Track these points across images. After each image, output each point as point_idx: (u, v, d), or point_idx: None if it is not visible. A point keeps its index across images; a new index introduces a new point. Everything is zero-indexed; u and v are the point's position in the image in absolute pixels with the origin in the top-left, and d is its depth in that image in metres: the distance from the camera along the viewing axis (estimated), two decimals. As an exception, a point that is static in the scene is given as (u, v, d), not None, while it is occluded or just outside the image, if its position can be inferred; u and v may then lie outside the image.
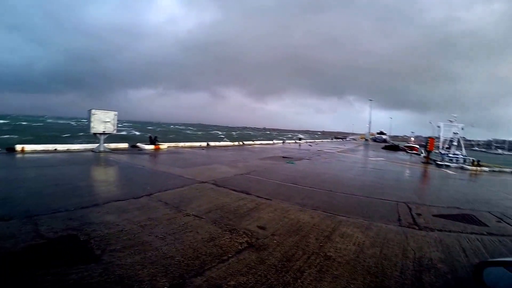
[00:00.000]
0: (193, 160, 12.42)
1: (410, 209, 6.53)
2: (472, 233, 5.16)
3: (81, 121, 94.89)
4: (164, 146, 16.72)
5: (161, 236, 3.93)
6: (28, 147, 11.64)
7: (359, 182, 9.84)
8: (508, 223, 6.04)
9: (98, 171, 9.07)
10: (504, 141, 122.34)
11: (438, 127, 23.02)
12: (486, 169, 18.79)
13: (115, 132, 13.77)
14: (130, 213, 4.78)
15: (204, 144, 20.48)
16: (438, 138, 22.84)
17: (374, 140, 71.66)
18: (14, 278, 2.66)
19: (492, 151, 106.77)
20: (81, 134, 48.22)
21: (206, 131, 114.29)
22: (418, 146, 41.35)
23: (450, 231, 5.16)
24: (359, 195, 7.55)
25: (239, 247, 3.78)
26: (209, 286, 2.78)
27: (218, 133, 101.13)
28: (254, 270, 3.16)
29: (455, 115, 22.28)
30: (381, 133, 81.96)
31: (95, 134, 13.07)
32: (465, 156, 20.85)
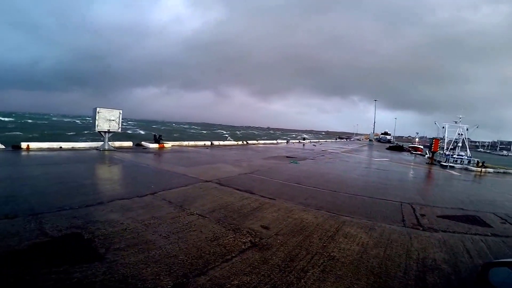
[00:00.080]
0: (197, 159, 12.46)
1: (414, 209, 6.51)
2: (476, 234, 5.14)
3: (86, 119, 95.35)
4: (168, 144, 16.75)
5: (165, 235, 3.94)
6: (33, 145, 11.71)
7: (363, 183, 9.82)
8: (512, 225, 6.00)
9: (102, 169, 9.10)
10: (509, 143, 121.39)
11: (443, 128, 22.93)
12: (491, 170, 18.68)
13: (119, 130, 13.81)
14: (134, 211, 4.79)
15: (208, 143, 20.51)
16: (443, 139, 22.74)
17: (379, 140, 71.44)
18: (18, 277, 2.67)
19: (496, 152, 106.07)
20: (86, 132, 48.43)
21: (210, 130, 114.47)
22: (422, 147, 41.18)
23: (454, 232, 5.14)
24: (363, 196, 7.53)
25: (243, 247, 3.78)
26: (212, 286, 2.78)
27: (222, 132, 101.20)
28: (257, 269, 3.16)
29: (460, 116, 22.17)
30: (386, 133, 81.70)
31: (100, 132, 13.12)
32: (470, 157, 20.75)
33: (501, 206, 7.71)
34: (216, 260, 3.32)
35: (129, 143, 15.72)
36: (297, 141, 38.46)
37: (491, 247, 4.54)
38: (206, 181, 7.73)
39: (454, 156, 20.79)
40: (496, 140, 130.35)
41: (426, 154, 26.88)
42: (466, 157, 20.61)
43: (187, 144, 18.89)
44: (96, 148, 13.19)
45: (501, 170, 19.05)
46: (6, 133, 44.56)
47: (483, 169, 18.45)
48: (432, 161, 21.09)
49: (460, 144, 21.75)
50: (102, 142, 13.23)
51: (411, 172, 15.03)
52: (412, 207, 6.73)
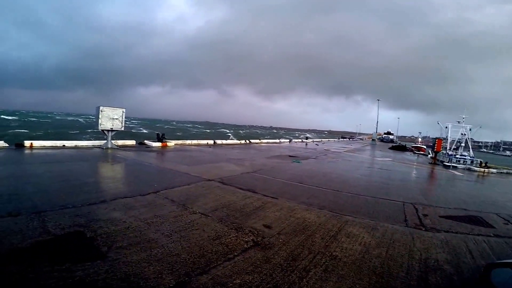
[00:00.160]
0: (199, 158, 12.48)
1: (416, 209, 6.49)
2: (478, 234, 5.12)
3: (89, 118, 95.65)
4: (171, 143, 16.80)
5: (167, 233, 3.95)
6: (37, 143, 11.77)
7: (365, 182, 9.81)
8: (516, 226, 5.98)
9: (105, 167, 9.13)
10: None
11: (446, 128, 22.86)
12: (494, 170, 18.62)
13: (123, 129, 13.87)
14: (137, 210, 4.80)
15: (211, 142, 20.52)
16: (446, 139, 22.67)
17: (381, 140, 71.30)
18: (21, 274, 2.68)
19: (500, 153, 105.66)
20: (89, 130, 48.59)
21: (213, 129, 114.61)
22: (425, 147, 41.07)
23: (456, 233, 5.12)
24: (366, 195, 7.52)
25: (245, 246, 3.78)
26: (214, 284, 2.78)
27: (225, 131, 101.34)
28: (259, 269, 3.17)
29: (463, 116, 22.09)
30: (388, 133, 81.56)
31: (103, 130, 13.17)
32: (473, 157, 20.67)
33: (504, 207, 7.68)
34: (219, 259, 3.33)
35: (132, 142, 15.77)
36: (300, 140, 38.43)
37: (494, 248, 4.52)
38: (209, 180, 7.74)
39: (457, 156, 20.72)
40: (499, 141, 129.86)
41: (429, 154, 26.81)
42: (469, 157, 20.54)
43: (190, 143, 18.91)
44: (99, 147, 13.24)
45: (504, 171, 18.98)
46: (15, 130, 44.87)
47: (486, 170, 18.40)
48: (435, 161, 21.02)
49: (463, 144, 21.69)
50: (105, 141, 13.28)
51: (414, 172, 14.99)
52: (414, 207, 6.71)
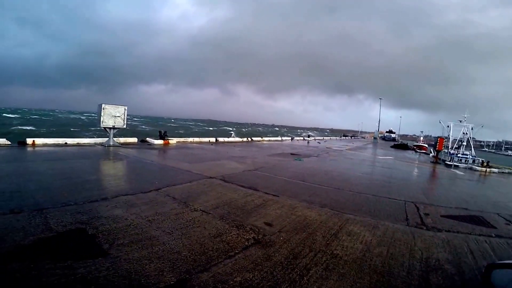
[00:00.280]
0: (201, 156, 12.48)
1: (418, 208, 6.49)
2: (480, 234, 5.11)
3: (92, 115, 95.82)
4: (173, 141, 16.81)
5: (169, 231, 3.96)
6: (39, 141, 11.80)
7: (367, 181, 9.79)
8: (517, 225, 5.96)
9: (107, 165, 9.15)
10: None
11: (448, 127, 22.80)
12: (495, 170, 18.56)
13: (125, 126, 13.90)
14: (138, 207, 4.82)
15: (213, 139, 20.52)
16: (448, 138, 22.62)
17: (383, 138, 71.24)
18: (23, 272, 2.69)
19: (502, 152, 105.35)
20: (92, 128, 48.67)
21: (215, 127, 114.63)
22: (427, 146, 40.96)
23: (458, 232, 5.11)
24: (367, 194, 7.51)
25: (246, 243, 3.79)
26: (215, 282, 2.79)
27: (227, 129, 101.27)
28: (260, 266, 3.17)
29: (465, 116, 22.02)
30: (390, 131, 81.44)
31: (105, 128, 13.21)
32: (474, 156, 20.62)
33: (506, 207, 7.66)
34: (219, 256, 3.34)
35: (134, 139, 15.78)
36: (302, 138, 38.38)
37: (495, 249, 4.51)
38: (210, 177, 7.75)
39: (458, 155, 20.67)
40: (501, 140, 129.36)
41: (431, 153, 26.75)
42: (470, 157, 20.48)
43: (192, 140, 18.92)
44: (101, 144, 13.27)
45: (506, 170, 18.91)
46: (17, 127, 45.04)
47: (488, 169, 18.33)
48: (436, 160, 20.98)
49: (464, 143, 21.62)
50: (107, 138, 13.30)
51: (415, 171, 14.97)
52: (416, 206, 6.71)
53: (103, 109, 12.95)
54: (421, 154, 31.16)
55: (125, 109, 13.69)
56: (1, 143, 10.68)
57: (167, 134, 16.93)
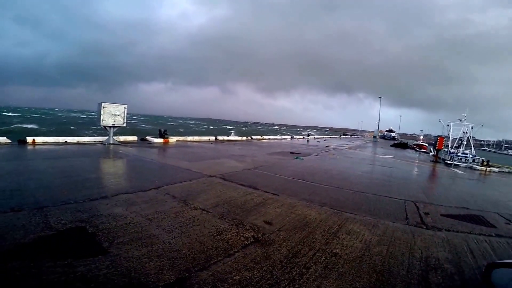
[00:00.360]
0: (201, 154, 12.48)
1: (417, 208, 6.49)
2: (480, 234, 5.11)
3: (92, 114, 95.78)
4: (173, 139, 16.80)
5: (168, 229, 3.96)
6: (39, 139, 11.79)
7: (366, 179, 9.78)
8: (517, 225, 5.96)
9: (107, 163, 9.15)
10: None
11: (448, 126, 22.79)
12: (496, 169, 18.54)
13: (125, 125, 13.90)
14: (138, 206, 4.82)
15: (212, 138, 20.52)
16: (448, 137, 22.61)
17: (383, 137, 71.25)
18: (23, 270, 2.70)
19: (502, 152, 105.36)
20: (92, 127, 48.72)
21: (215, 126, 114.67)
22: (427, 145, 40.97)
23: (458, 231, 5.11)
24: (367, 193, 7.51)
25: (245, 242, 3.79)
26: (214, 280, 2.80)
27: (227, 127, 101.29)
28: (259, 265, 3.18)
29: (465, 115, 22.01)
30: (390, 130, 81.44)
31: (105, 127, 13.21)
32: (474, 155, 20.61)
33: (506, 206, 7.66)
34: (219, 255, 3.34)
35: (133, 138, 15.77)
36: (301, 137, 38.36)
37: (495, 248, 4.51)
38: (210, 176, 7.75)
39: (458, 154, 20.66)
40: (501, 139, 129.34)
41: (431, 152, 26.73)
42: (470, 156, 20.48)
43: (192, 139, 18.91)
44: (101, 143, 13.27)
45: (506, 170, 18.90)
46: (17, 125, 45.04)
47: (488, 168, 18.32)
48: (436, 159, 20.97)
49: (464, 143, 21.62)
50: (107, 137, 13.31)
51: (415, 170, 14.96)
52: (415, 205, 6.70)
53: (103, 107, 12.96)
54: (421, 153, 31.14)
55: (125, 108, 13.69)
56: (1, 141, 10.68)
57: (167, 133, 16.93)
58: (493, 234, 5.16)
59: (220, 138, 21.08)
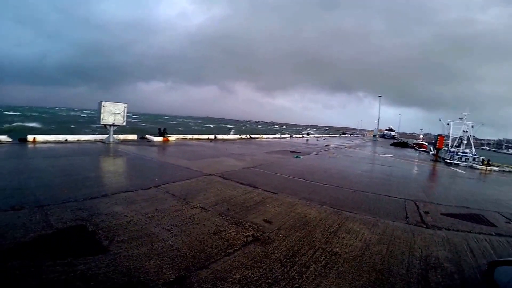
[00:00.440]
0: (200, 153, 12.48)
1: (417, 207, 6.48)
2: (480, 233, 5.11)
3: (91, 113, 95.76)
4: (172, 138, 16.81)
5: (168, 227, 3.96)
6: (40, 138, 11.80)
7: (366, 178, 9.78)
8: (517, 224, 5.96)
9: (107, 162, 9.15)
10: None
11: (448, 125, 22.75)
12: (496, 168, 18.52)
13: (124, 123, 13.93)
14: (138, 204, 4.83)
15: (212, 137, 20.52)
16: (448, 136, 22.59)
17: (383, 136, 71.25)
18: (23, 269, 2.70)
19: (502, 151, 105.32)
20: (92, 125, 48.72)
21: (214, 124, 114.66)
22: (427, 144, 40.94)
23: (458, 230, 5.11)
24: (366, 191, 7.51)
25: (245, 241, 3.80)
26: (214, 279, 2.80)
27: (227, 126, 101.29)
28: (259, 264, 3.18)
29: (465, 113, 21.98)
30: (390, 129, 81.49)
31: (105, 125, 13.23)
32: (475, 154, 20.59)
33: (506, 206, 7.65)
34: (218, 253, 3.34)
35: (133, 136, 15.80)
36: (301, 136, 38.36)
37: (495, 247, 4.51)
38: (210, 174, 7.76)
39: (459, 153, 20.64)
40: (502, 139, 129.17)
41: (431, 151, 26.72)
42: (471, 155, 20.45)
43: (191, 137, 18.92)
44: (101, 141, 13.28)
45: (507, 169, 18.88)
46: (18, 123, 45.06)
47: (488, 167, 18.29)
48: (436, 158, 20.95)
49: (465, 142, 21.59)
50: (107, 135, 13.32)
51: (415, 169, 14.95)
52: (415, 204, 6.70)
53: (103, 106, 12.99)
54: (421, 152, 31.12)
55: (125, 107, 13.73)
56: (2, 140, 10.68)
57: (167, 131, 16.95)
58: (493, 233, 5.16)
59: (219, 136, 21.10)
